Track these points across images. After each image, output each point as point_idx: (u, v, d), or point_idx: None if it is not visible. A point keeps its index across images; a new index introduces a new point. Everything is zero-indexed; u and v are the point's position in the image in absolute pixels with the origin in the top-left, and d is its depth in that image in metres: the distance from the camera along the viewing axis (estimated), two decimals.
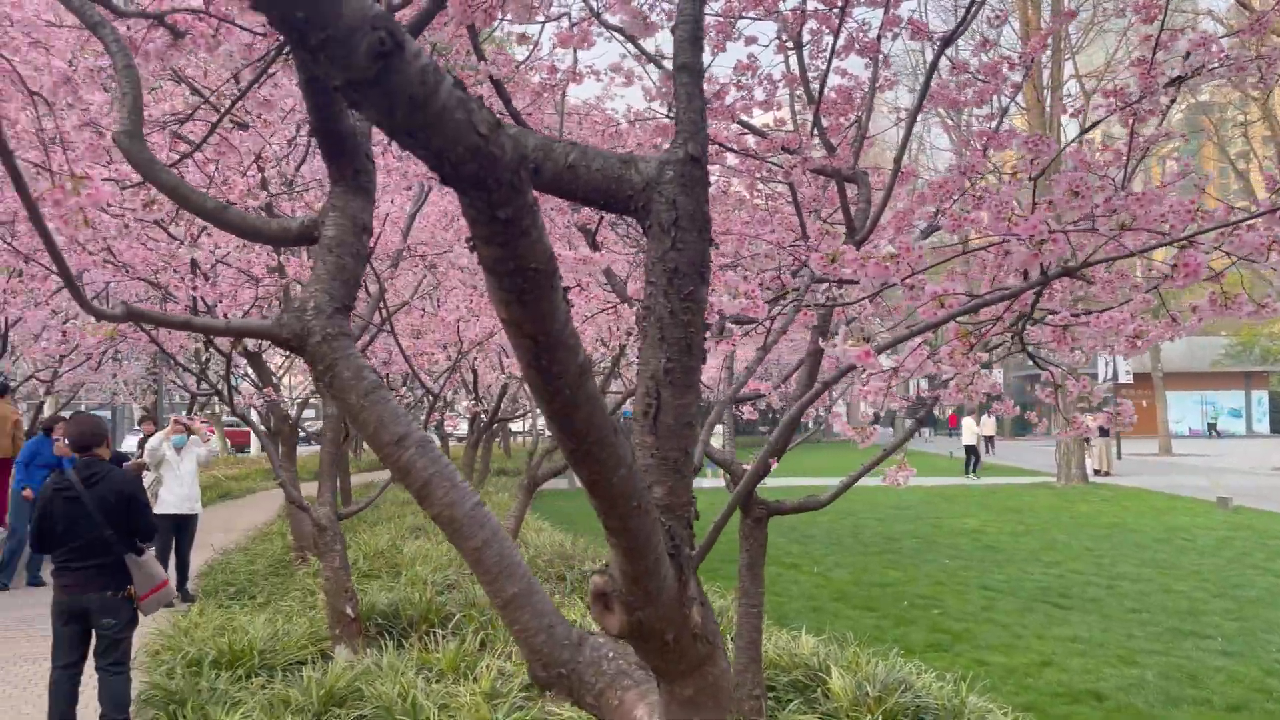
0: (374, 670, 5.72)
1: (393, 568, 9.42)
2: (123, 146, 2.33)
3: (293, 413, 12.63)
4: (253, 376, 11.73)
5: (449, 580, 8.40)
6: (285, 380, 17.91)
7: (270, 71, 3.71)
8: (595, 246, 5.21)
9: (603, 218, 5.57)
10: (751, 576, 4.82)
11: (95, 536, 4.92)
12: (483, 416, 13.87)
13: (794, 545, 12.07)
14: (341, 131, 2.22)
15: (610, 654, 2.07)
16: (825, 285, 3.88)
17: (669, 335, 1.64)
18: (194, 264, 5.95)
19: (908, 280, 2.21)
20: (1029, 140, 2.87)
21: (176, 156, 3.54)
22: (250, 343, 8.56)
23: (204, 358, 19.42)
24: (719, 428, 23.66)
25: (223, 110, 3.10)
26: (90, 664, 5.00)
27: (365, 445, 26.00)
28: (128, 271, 7.23)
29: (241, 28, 3.21)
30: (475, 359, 11.24)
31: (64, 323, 13.35)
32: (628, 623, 1.63)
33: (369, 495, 6.77)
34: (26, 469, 9.74)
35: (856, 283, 3.28)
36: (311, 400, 17.57)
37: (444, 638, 6.45)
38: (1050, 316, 2.42)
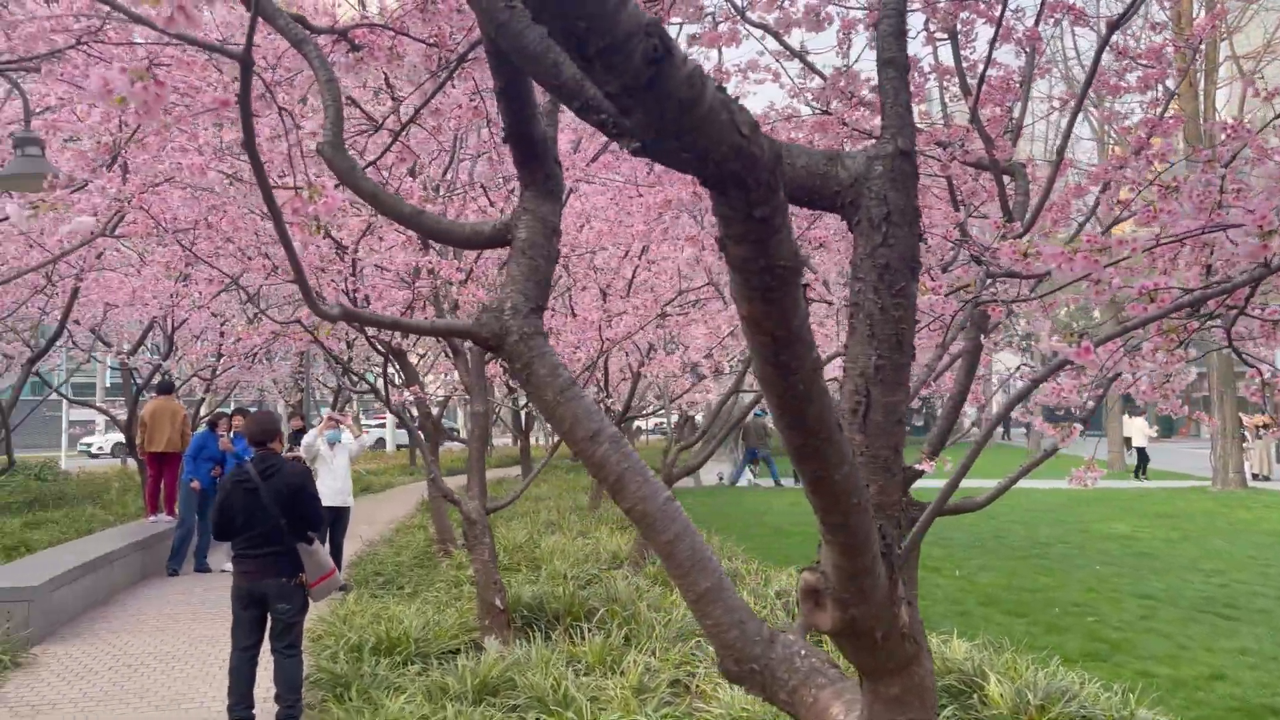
0: (524, 662, 5.86)
1: (532, 562, 9.62)
2: (326, 155, 2.46)
3: (434, 411, 13.06)
4: (391, 377, 12.23)
5: (588, 575, 8.54)
6: (427, 379, 18.52)
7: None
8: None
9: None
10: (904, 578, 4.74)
11: (271, 526, 5.22)
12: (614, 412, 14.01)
13: (935, 548, 11.77)
14: (534, 136, 2.29)
15: (802, 651, 2.07)
16: (990, 281, 3.78)
17: (879, 332, 1.63)
18: (354, 265, 6.23)
19: (1098, 275, 2.13)
20: (1230, 127, 2.73)
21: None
22: (395, 342, 8.91)
23: (346, 358, 20.23)
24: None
25: (403, 120, 3.23)
26: (266, 647, 5.29)
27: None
28: (279, 272, 7.64)
29: (415, 39, 3.35)
30: (608, 358, 11.39)
31: (221, 325, 14.21)
32: (841, 620, 1.63)
33: (508, 491, 6.95)
34: (194, 462, 10.36)
35: (1021, 276, 3.19)
36: (451, 400, 18.09)
37: (589, 632, 6.55)
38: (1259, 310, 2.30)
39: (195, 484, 10.25)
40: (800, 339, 1.24)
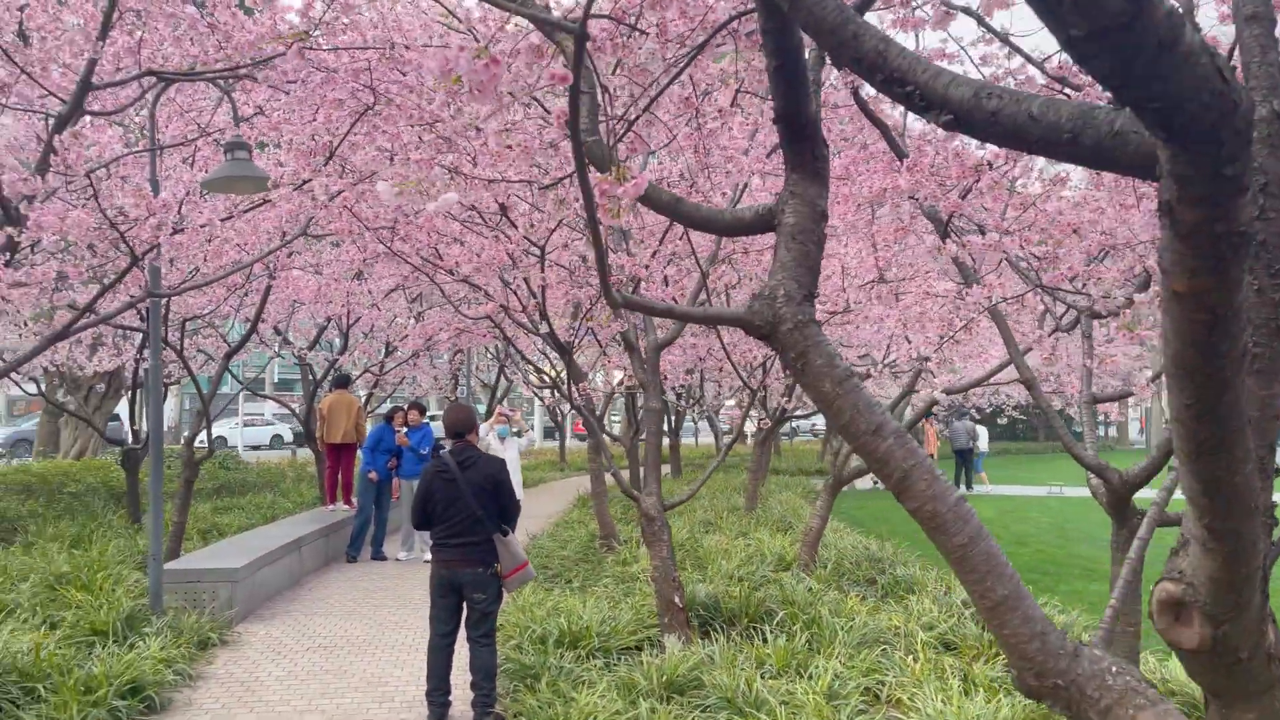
0: (709, 662, 5.79)
1: (696, 560, 9.57)
2: (587, 147, 2.43)
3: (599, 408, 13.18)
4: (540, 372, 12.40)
5: (760, 577, 8.41)
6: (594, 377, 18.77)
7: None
8: (946, 235, 4.98)
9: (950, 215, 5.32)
10: (1128, 592, 4.42)
11: (468, 516, 5.32)
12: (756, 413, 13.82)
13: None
14: (805, 117, 2.19)
15: (1113, 668, 1.90)
16: None
17: (1254, 317, 1.46)
18: (543, 258, 6.30)
19: None
20: None
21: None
22: (567, 340, 9.01)
23: (502, 355, 20.51)
24: (983, 431, 22.12)
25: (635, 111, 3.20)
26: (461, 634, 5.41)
27: None
28: (445, 270, 7.84)
29: (641, 32, 3.30)
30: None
31: (389, 323, 14.78)
32: (1210, 636, 1.46)
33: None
34: (372, 454, 10.78)
35: None
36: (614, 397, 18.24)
37: (770, 634, 6.43)
38: None
39: (373, 475, 10.66)
40: (1238, 316, 1.09)
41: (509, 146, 3.85)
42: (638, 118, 2.87)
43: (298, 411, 13.80)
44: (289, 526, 10.31)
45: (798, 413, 18.97)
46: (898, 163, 4.27)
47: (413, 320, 14.58)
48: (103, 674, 5.33)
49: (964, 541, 1.96)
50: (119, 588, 7.26)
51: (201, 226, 5.24)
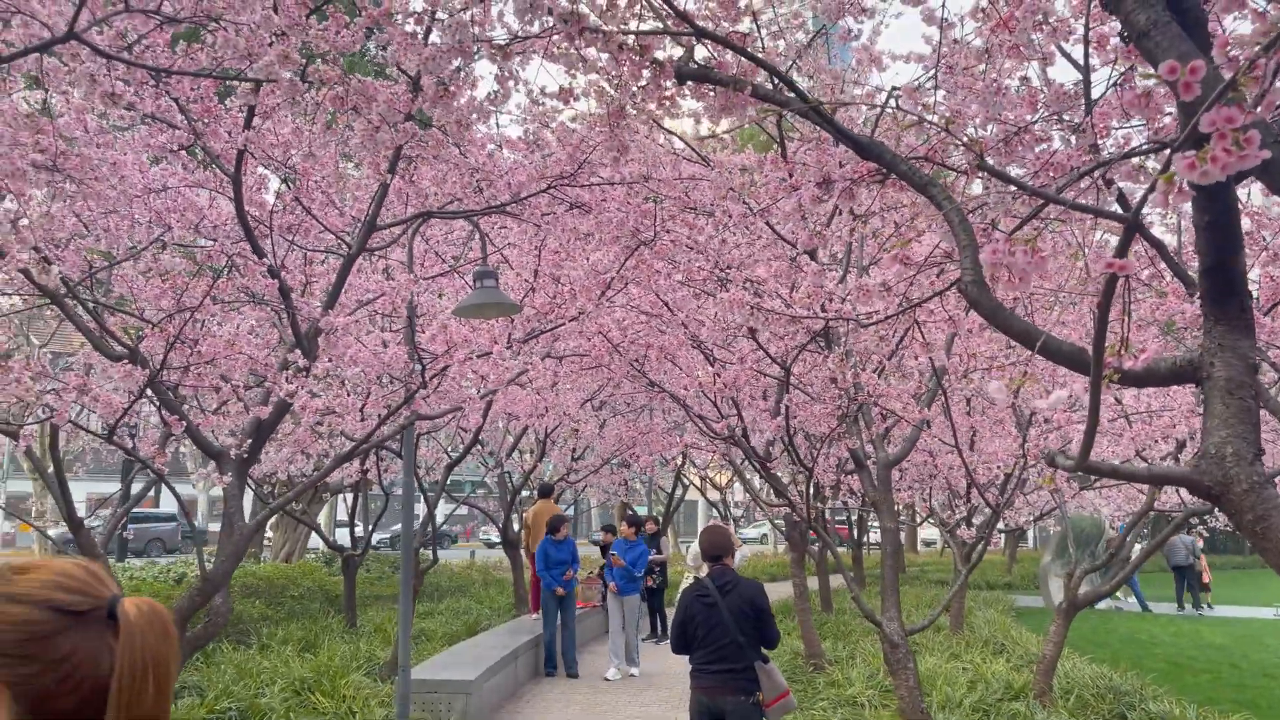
0: None
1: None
2: (971, 296, 2.47)
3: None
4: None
5: (988, 703, 7.97)
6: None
7: None
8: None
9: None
10: None
11: (729, 642, 5.29)
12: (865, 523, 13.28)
13: None
14: (1235, 271, 2.17)
15: None
16: None
17: None
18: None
19: None
20: None
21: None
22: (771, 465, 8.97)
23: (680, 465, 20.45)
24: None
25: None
26: None
27: None
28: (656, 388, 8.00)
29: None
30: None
31: (576, 433, 15.14)
32: None
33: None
34: (546, 571, 10.72)
35: None
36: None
37: None
38: None
39: (559, 590, 10.58)
40: None
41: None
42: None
43: (498, 520, 14.17)
44: (503, 636, 10.51)
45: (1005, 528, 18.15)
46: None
47: (597, 428, 14.92)
48: None
49: None
50: (371, 698, 7.53)
51: (484, 355, 5.57)
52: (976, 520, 12.33)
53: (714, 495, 23.04)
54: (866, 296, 3.61)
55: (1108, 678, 9.13)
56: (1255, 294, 4.27)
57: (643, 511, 23.80)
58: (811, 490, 7.58)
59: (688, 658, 5.48)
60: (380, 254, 7.78)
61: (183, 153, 6.37)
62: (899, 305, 3.39)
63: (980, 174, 2.44)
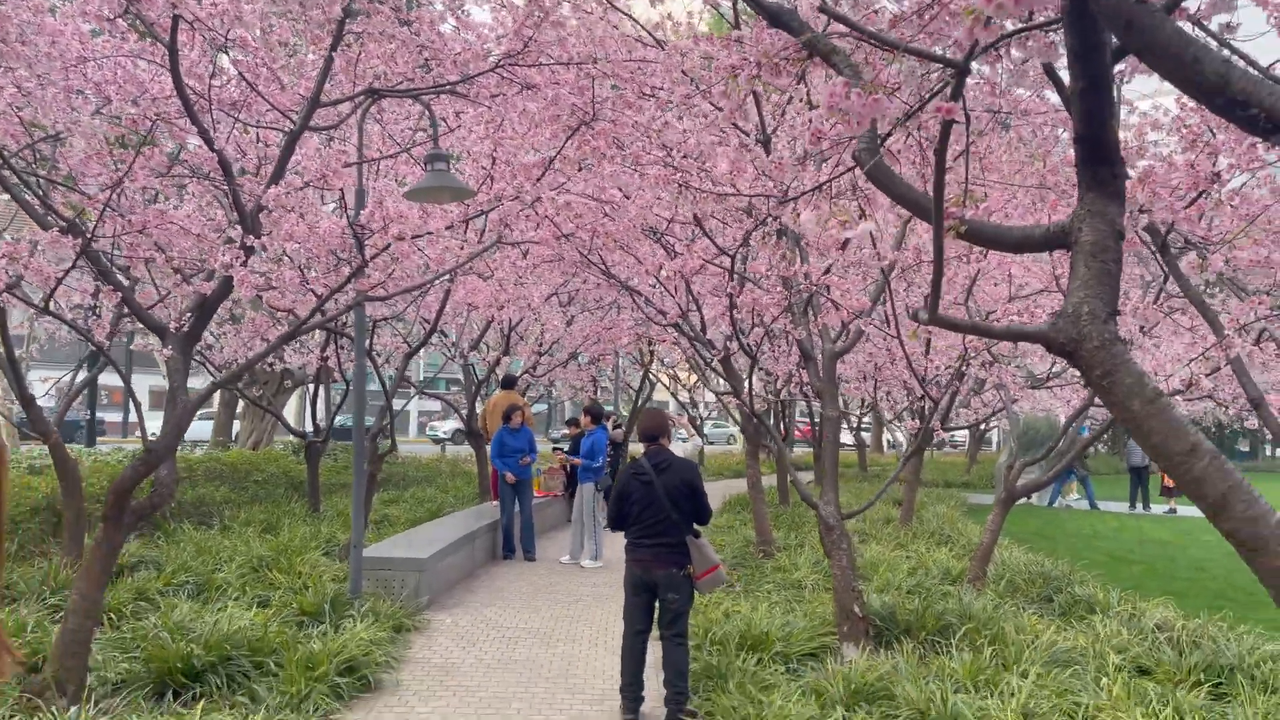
0: (894, 673, 5.77)
1: (858, 572, 9.49)
2: (862, 163, 2.52)
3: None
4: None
5: (931, 588, 8.31)
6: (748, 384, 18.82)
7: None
8: (1165, 250, 4.84)
9: None
10: None
11: (663, 518, 5.48)
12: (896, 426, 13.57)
13: None
14: (1108, 138, 2.22)
15: None
16: None
17: None
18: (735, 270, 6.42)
19: None
20: None
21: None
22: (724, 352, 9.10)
23: (645, 360, 20.69)
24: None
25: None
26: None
27: None
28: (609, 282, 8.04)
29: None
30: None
31: (542, 328, 15.21)
32: None
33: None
34: (500, 459, 10.91)
35: None
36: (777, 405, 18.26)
37: (953, 648, 6.36)
38: None
39: (510, 477, 10.79)
40: None
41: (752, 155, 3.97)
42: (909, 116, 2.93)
43: (461, 410, 14.33)
44: (461, 520, 10.75)
45: (954, 425, 18.52)
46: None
47: (564, 324, 14.98)
48: (323, 652, 5.71)
49: None
50: (325, 574, 7.75)
51: (424, 235, 5.56)
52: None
53: (684, 397, 23.38)
54: (780, 171, 3.64)
55: (1040, 564, 9.51)
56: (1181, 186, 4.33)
57: (610, 411, 24.05)
58: (754, 381, 7.71)
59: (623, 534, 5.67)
60: (333, 135, 7.66)
61: (122, 24, 6.21)
62: (817, 182, 3.43)
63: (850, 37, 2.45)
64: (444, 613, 7.99)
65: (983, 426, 23.49)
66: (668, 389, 23.17)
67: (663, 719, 5.37)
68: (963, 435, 35.34)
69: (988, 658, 6.13)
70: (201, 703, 5.01)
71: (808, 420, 28.65)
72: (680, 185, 4.32)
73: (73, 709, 4.66)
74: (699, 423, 25.56)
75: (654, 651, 5.83)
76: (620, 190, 6.69)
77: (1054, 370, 11.61)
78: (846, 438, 28.51)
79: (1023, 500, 20.45)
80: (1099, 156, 2.24)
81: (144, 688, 5.30)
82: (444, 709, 5.59)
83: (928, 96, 2.57)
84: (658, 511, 5.48)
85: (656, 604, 5.57)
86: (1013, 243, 2.39)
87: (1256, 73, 1.68)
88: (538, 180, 5.28)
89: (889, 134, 2.74)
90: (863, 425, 28.35)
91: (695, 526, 5.60)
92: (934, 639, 6.81)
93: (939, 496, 18.12)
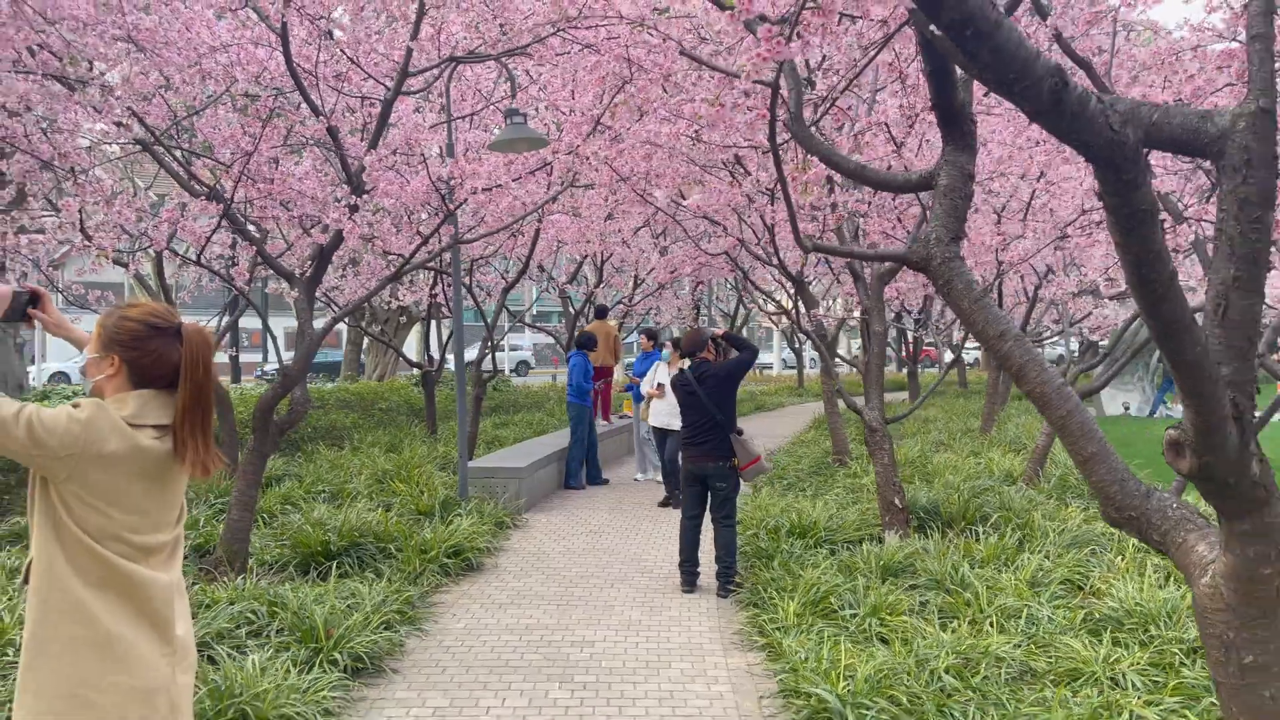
0: (923, 552, 6.57)
1: (924, 475, 10.21)
2: (797, 135, 3.29)
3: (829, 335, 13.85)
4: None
5: (982, 487, 8.97)
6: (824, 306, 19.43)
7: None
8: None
9: None
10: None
11: (707, 420, 6.38)
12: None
13: None
14: (955, 105, 2.95)
15: (1174, 504, 2.62)
16: None
17: (1238, 251, 2.14)
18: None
19: None
20: None
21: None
22: (795, 271, 9.82)
23: (740, 286, 21.19)
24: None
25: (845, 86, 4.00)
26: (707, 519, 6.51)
27: None
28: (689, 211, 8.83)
29: (853, 18, 4.05)
30: (1003, 281, 11.47)
31: (637, 259, 16.08)
32: (1197, 465, 2.19)
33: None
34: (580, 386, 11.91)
35: None
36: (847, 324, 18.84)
37: (983, 534, 7.09)
38: None
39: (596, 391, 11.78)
40: (1159, 257, 1.83)
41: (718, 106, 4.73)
42: (835, 98, 3.67)
43: (560, 339, 15.43)
44: (557, 438, 11.88)
45: (1044, 338, 18.65)
46: None
47: (657, 255, 15.84)
48: (434, 539, 6.88)
49: (1064, 414, 2.71)
50: (437, 483, 8.98)
51: (496, 187, 6.50)
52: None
53: (784, 324, 24.04)
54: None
55: None
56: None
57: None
58: (800, 301, 8.44)
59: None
60: (424, 98, 8.63)
61: (241, 11, 7.28)
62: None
63: None
64: (540, 514, 9.14)
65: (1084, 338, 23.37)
66: (768, 315, 23.89)
67: (714, 590, 6.36)
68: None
69: (1012, 540, 6.85)
70: (335, 575, 6.23)
71: (932, 344, 29.09)
72: (693, 138, 5.08)
73: (239, 578, 5.92)
74: (799, 347, 26.13)
75: (709, 534, 6.78)
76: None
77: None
78: (948, 356, 28.81)
79: (1122, 411, 20.54)
80: (951, 119, 2.97)
81: (292, 565, 6.55)
82: (534, 584, 6.70)
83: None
84: (702, 414, 6.39)
85: (708, 494, 6.50)
86: (897, 185, 3.14)
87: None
88: (588, 135, 6.12)
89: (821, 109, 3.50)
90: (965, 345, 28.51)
91: (738, 427, 6.48)
92: (972, 529, 7.54)
93: (1029, 409, 18.41)
